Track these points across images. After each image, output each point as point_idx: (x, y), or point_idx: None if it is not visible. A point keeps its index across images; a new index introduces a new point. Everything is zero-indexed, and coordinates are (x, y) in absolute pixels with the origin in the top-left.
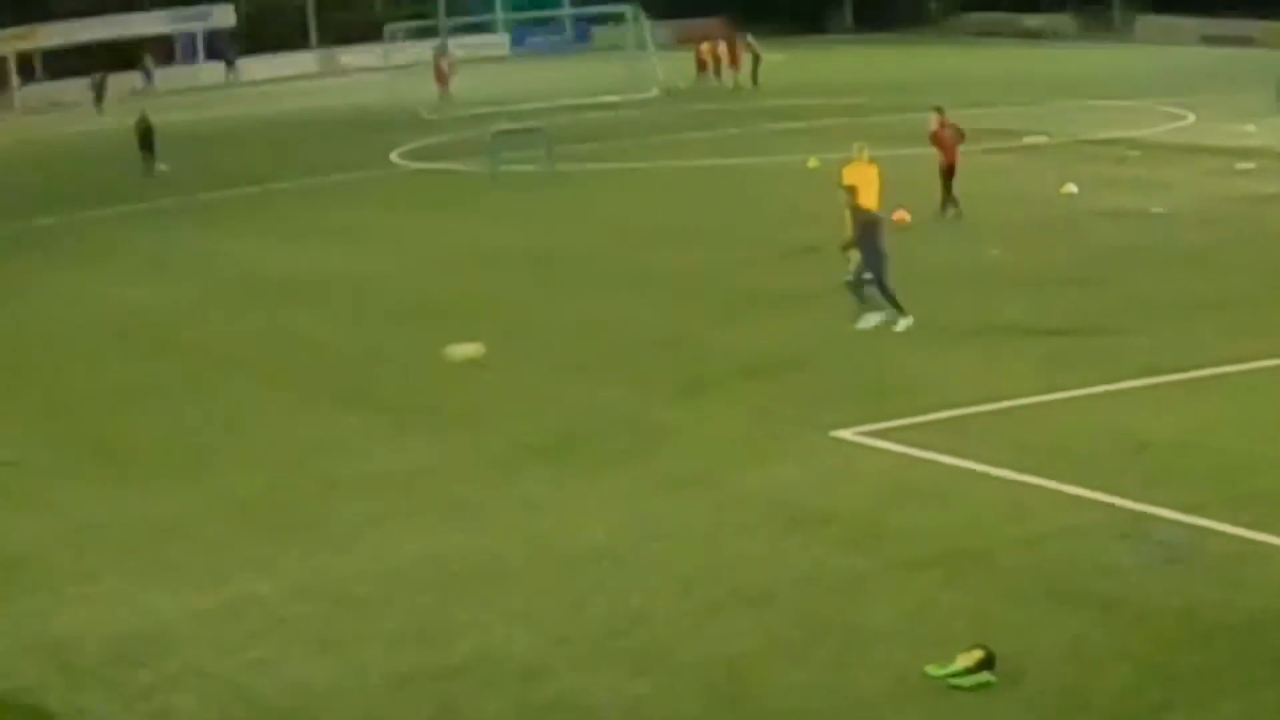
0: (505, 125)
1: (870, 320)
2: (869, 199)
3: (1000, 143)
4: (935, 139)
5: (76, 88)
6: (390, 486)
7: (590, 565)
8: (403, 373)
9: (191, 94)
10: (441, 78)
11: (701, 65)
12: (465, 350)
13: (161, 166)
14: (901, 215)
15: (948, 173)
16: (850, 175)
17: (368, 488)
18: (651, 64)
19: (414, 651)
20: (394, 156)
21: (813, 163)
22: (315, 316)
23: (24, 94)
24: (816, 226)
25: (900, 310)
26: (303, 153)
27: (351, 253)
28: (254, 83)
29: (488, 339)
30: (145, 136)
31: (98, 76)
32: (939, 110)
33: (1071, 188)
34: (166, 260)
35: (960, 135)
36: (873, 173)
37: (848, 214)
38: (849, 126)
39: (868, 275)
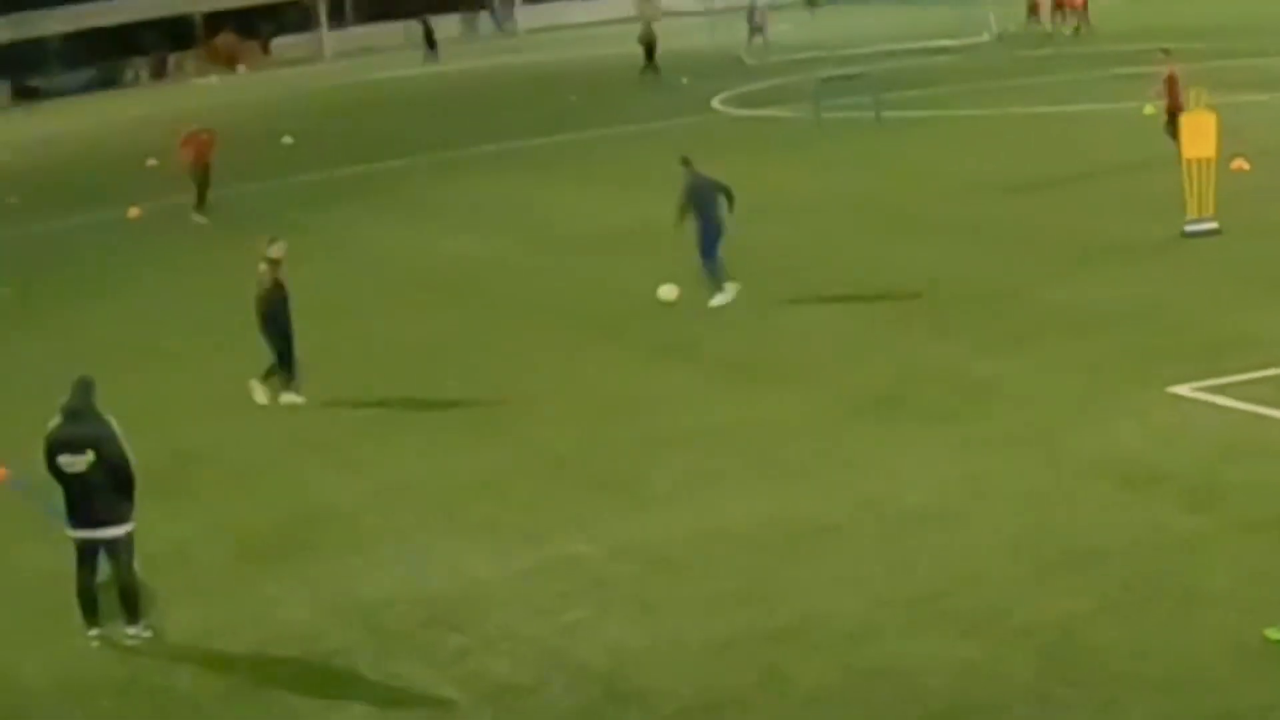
0: (830, 71)
1: None
2: (1205, 147)
3: None
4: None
5: (387, 32)
6: (712, 443)
7: (918, 526)
8: (725, 326)
9: (512, 39)
10: (757, 26)
11: (1033, 9)
12: (665, 293)
13: (683, 80)
14: (1239, 163)
15: None
16: (1188, 124)
17: (689, 444)
18: (983, 8)
19: (736, 614)
20: (715, 103)
21: (1149, 109)
22: (638, 267)
23: (334, 39)
24: (1152, 175)
25: None
26: (623, 99)
27: (671, 202)
28: (574, 26)
29: (808, 291)
30: (649, 49)
31: (426, 20)
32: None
33: None
34: (484, 209)
35: None
36: (1210, 121)
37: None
38: (1188, 73)
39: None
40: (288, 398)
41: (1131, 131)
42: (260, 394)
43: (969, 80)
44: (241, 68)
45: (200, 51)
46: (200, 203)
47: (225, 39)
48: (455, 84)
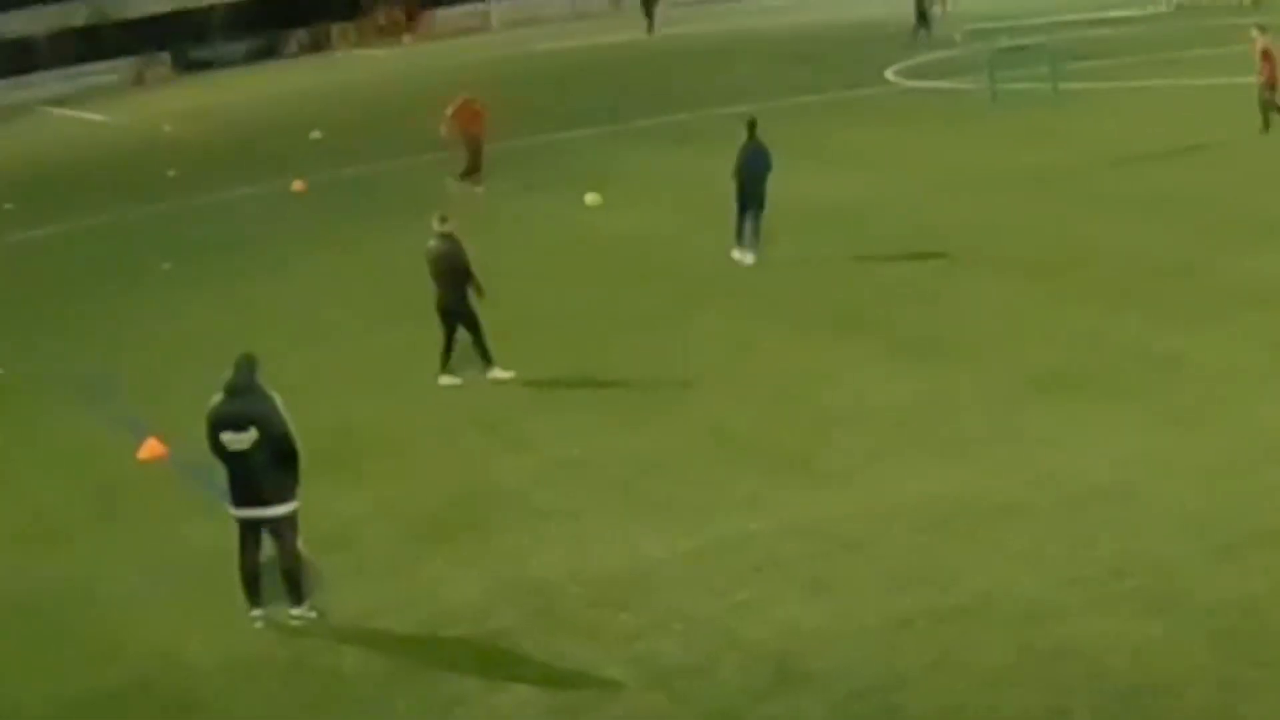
0: (1006, 42)
1: None
2: None
3: None
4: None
5: (557, 2)
6: (887, 420)
7: (1098, 504)
8: (900, 301)
9: (695, 7)
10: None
11: None
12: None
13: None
14: None
15: None
16: None
17: (863, 421)
18: None
19: (913, 593)
20: (889, 74)
21: None
22: (805, 241)
23: (501, 9)
24: None
25: None
26: (794, 70)
27: (845, 175)
28: None
29: (985, 265)
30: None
31: None
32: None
33: None
34: (655, 183)
35: None
36: None
37: None
38: None
39: None
40: (495, 373)
41: None
42: (448, 379)
43: (1148, 51)
44: (407, 38)
45: (363, 22)
46: (471, 171)
47: (389, 9)
48: (625, 55)
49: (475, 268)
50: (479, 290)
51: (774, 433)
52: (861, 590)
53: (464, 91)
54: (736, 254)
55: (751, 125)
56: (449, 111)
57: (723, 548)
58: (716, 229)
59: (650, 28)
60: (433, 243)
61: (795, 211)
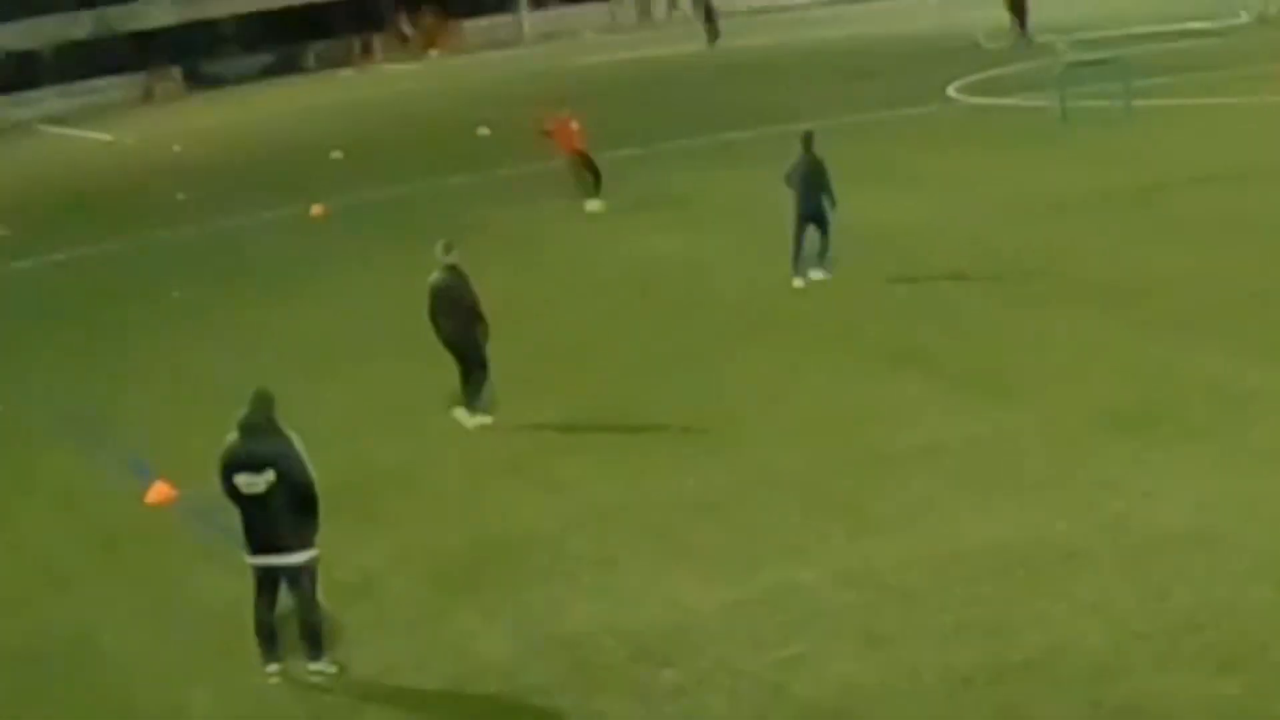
0: (1076, 56)
1: None
2: None
3: None
4: None
5: (594, 12)
6: (947, 461)
7: (1173, 550)
8: (959, 333)
9: (746, 18)
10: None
11: None
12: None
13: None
14: None
15: None
16: None
17: (922, 462)
18: None
19: (974, 647)
20: (951, 90)
21: None
22: (858, 269)
23: (534, 20)
24: None
25: None
26: (849, 86)
27: (906, 198)
28: (802, 6)
29: (1052, 294)
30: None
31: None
32: None
33: None
34: (696, 206)
35: None
36: None
37: None
38: None
39: None
40: (476, 419)
41: None
42: (467, 419)
43: (1225, 66)
44: (434, 52)
45: (387, 35)
46: (593, 186)
47: (419, 20)
48: (666, 69)
49: (484, 304)
50: (484, 331)
51: (824, 475)
52: (919, 644)
53: (546, 107)
54: (799, 282)
55: (807, 139)
56: (547, 130)
57: (770, 598)
58: (765, 254)
59: (711, 39)
60: (436, 275)
61: (851, 236)
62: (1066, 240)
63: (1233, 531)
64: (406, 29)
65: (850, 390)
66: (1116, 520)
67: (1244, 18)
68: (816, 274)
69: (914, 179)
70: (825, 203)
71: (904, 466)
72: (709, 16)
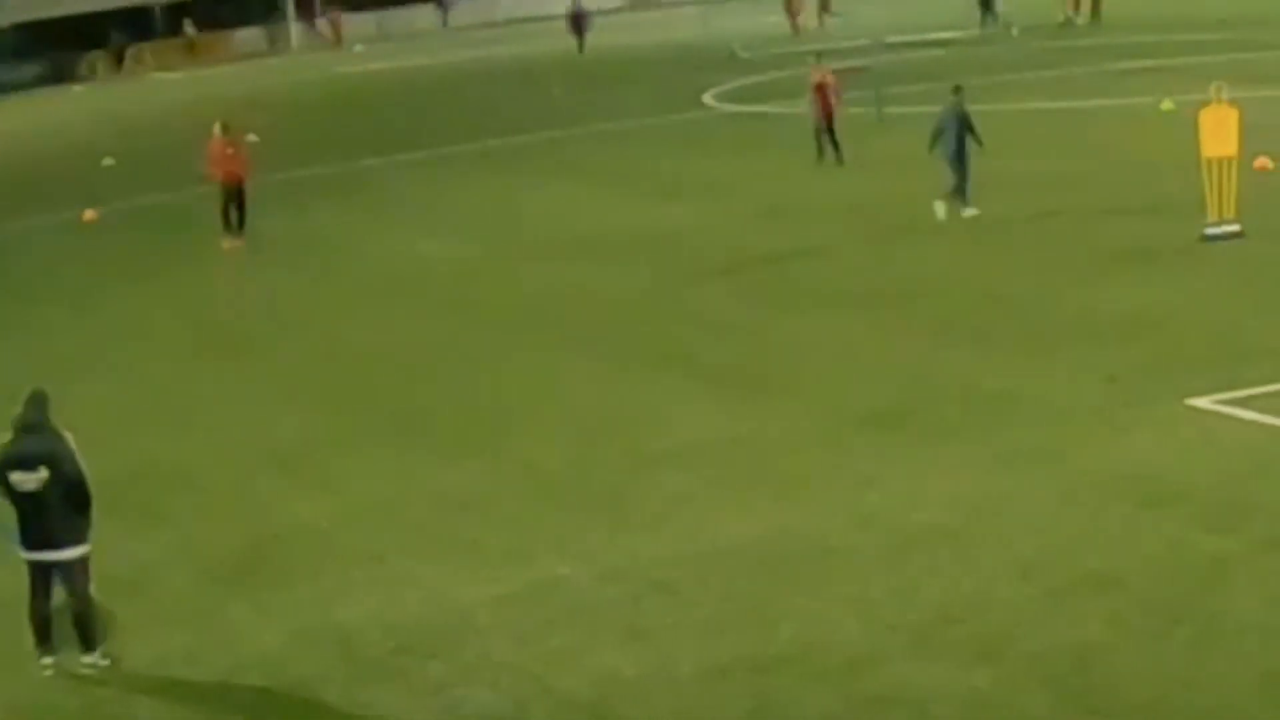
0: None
1: None
2: (1226, 145)
3: None
4: None
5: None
6: (708, 459)
7: (924, 546)
8: (719, 334)
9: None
10: (793, 14)
11: None
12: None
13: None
14: (1263, 162)
15: None
16: (1206, 118)
17: (681, 460)
18: None
19: (730, 640)
20: (707, 98)
21: (1167, 105)
22: (622, 273)
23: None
24: (1172, 176)
25: None
26: (610, 94)
27: (661, 204)
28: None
29: (807, 297)
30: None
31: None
32: None
33: None
34: (459, 211)
35: None
36: (1231, 117)
37: None
38: (1205, 66)
39: None
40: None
41: (1147, 128)
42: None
43: (977, 74)
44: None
45: (161, 44)
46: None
47: (187, 30)
48: (426, 79)
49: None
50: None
51: (588, 473)
52: (677, 637)
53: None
54: (969, 211)
55: (958, 89)
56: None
57: (534, 593)
58: (523, 258)
59: (580, 46)
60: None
61: (612, 242)
62: (823, 245)
63: (981, 528)
64: (183, 35)
65: (614, 390)
66: (871, 517)
67: (993, 26)
68: (969, 211)
69: (666, 185)
70: (970, 144)
71: (666, 464)
72: (577, 28)
